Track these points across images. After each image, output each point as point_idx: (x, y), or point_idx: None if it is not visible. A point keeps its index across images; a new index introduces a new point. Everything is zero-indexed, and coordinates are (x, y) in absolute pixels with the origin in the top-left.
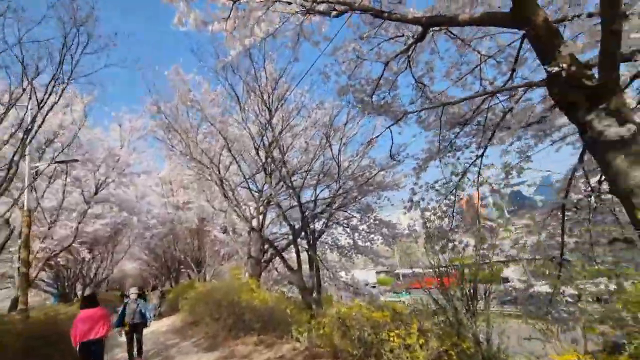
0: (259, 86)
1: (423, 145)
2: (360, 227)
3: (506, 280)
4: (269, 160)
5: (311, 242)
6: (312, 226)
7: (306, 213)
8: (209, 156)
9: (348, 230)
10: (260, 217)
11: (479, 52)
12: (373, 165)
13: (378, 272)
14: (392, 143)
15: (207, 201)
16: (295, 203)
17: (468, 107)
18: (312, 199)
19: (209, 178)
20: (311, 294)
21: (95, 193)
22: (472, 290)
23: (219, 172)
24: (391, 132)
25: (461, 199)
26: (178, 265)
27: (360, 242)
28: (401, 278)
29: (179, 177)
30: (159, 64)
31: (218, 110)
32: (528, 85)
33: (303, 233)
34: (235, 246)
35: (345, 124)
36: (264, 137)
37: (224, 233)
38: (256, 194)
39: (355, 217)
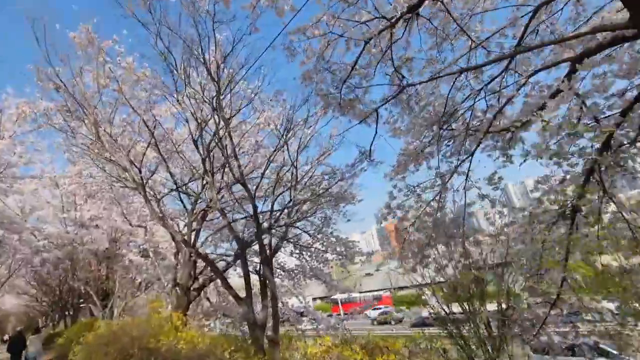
0: (204, 54)
1: (394, 149)
2: (314, 246)
3: (426, 303)
4: (212, 155)
5: (266, 260)
6: (265, 240)
7: (261, 223)
8: (128, 155)
9: (297, 249)
10: (193, 234)
11: (470, 37)
12: (332, 173)
13: (314, 299)
14: (372, 143)
15: (123, 215)
16: (241, 215)
17: (452, 102)
18: (267, 209)
19: (127, 184)
20: (263, 330)
21: None
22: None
23: (141, 177)
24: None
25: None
26: (78, 300)
27: (314, 263)
28: (339, 303)
29: (87, 186)
30: (61, 21)
31: (144, 94)
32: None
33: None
34: (157, 272)
35: (306, 120)
36: (206, 126)
37: (142, 257)
38: (189, 206)
39: (308, 233)
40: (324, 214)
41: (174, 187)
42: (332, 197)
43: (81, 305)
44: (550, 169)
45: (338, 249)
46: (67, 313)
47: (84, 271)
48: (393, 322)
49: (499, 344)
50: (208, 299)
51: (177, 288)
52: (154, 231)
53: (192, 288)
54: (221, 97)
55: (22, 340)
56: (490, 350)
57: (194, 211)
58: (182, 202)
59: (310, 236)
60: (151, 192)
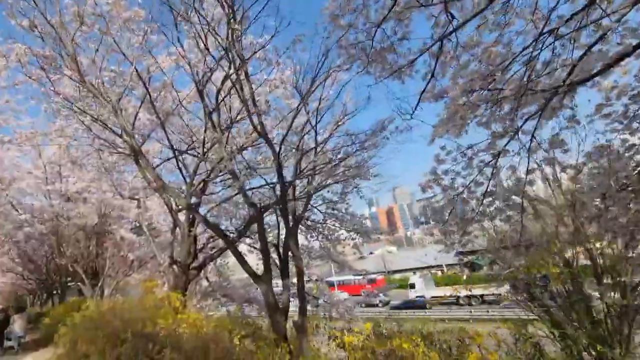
0: None
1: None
2: (327, 223)
3: (412, 286)
4: (222, 105)
5: (291, 228)
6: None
7: (279, 190)
8: (117, 114)
9: (307, 227)
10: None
11: None
12: (351, 142)
13: (307, 281)
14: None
15: (114, 187)
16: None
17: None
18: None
19: (119, 150)
20: (285, 315)
21: None
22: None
23: (134, 142)
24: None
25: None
26: (65, 278)
27: (324, 242)
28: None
29: (72, 153)
30: None
31: (136, 38)
32: None
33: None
34: (152, 249)
35: (326, 78)
36: (212, 75)
37: (135, 234)
38: (187, 180)
39: (321, 211)
40: (339, 187)
41: (170, 156)
42: (351, 167)
43: (69, 284)
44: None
45: (355, 227)
46: (54, 292)
47: (71, 248)
48: (380, 305)
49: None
50: (207, 278)
51: (175, 266)
52: (147, 205)
53: (191, 266)
54: (237, 29)
55: (6, 318)
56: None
57: (193, 183)
58: (180, 170)
59: (323, 213)
60: (144, 159)
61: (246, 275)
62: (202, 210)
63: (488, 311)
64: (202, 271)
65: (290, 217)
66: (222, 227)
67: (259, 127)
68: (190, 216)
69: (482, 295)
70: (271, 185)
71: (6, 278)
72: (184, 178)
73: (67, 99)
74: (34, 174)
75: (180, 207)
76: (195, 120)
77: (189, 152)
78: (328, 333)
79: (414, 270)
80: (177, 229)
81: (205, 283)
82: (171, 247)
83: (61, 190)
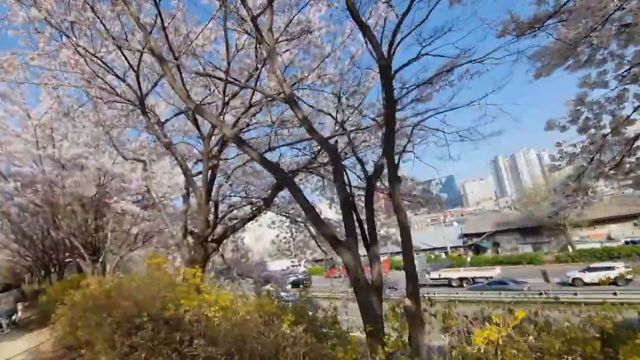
0: None
1: None
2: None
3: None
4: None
5: (393, 170)
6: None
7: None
8: (121, 48)
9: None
10: (208, 173)
11: None
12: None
13: (307, 261)
14: None
15: (113, 146)
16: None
17: None
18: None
19: (122, 97)
20: (380, 295)
21: None
22: None
23: (139, 86)
24: None
25: None
26: (63, 255)
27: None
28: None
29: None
30: None
31: None
32: None
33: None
34: (157, 223)
35: None
36: None
37: (139, 206)
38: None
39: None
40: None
41: (175, 113)
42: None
43: (68, 261)
44: None
45: (414, 193)
46: (52, 269)
47: (67, 221)
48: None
49: None
50: (222, 255)
51: (190, 238)
52: (153, 170)
53: (209, 238)
54: None
55: None
56: None
57: (210, 140)
58: (196, 124)
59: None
60: (152, 114)
61: (258, 253)
62: (218, 179)
63: (482, 293)
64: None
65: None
66: (241, 197)
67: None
68: (209, 178)
69: (473, 278)
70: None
71: (2, 255)
72: (200, 133)
73: (56, 26)
74: (22, 137)
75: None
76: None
77: (203, 104)
78: (441, 322)
79: (416, 251)
80: (194, 193)
81: (219, 259)
82: (184, 217)
83: (54, 156)
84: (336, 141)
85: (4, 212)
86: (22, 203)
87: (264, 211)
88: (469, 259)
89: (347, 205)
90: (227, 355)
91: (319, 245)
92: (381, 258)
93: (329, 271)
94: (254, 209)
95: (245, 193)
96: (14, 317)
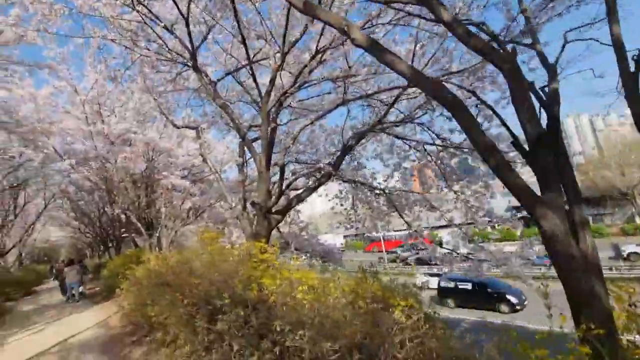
0: None
1: None
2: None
3: (440, 243)
4: None
5: None
6: None
7: None
8: None
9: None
10: (268, 131)
11: None
12: None
13: (345, 236)
14: None
15: (162, 114)
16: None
17: None
18: None
19: (171, 53)
20: (601, 281)
21: None
22: None
23: (190, 38)
24: None
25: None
26: (119, 230)
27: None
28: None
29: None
30: None
31: None
32: None
33: None
34: (221, 190)
35: None
36: None
37: (188, 180)
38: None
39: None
40: None
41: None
42: None
43: (124, 236)
44: None
45: None
46: (110, 245)
47: (121, 197)
48: (398, 261)
49: None
50: (279, 229)
51: (252, 210)
52: (205, 139)
53: (274, 209)
54: None
55: (63, 270)
56: None
57: (270, 94)
58: (254, 78)
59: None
60: (204, 75)
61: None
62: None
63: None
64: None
65: None
66: (306, 163)
67: None
68: (268, 140)
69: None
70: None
71: (65, 232)
72: (259, 92)
73: None
74: (72, 114)
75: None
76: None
77: (260, 61)
78: None
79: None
80: (254, 159)
81: (275, 233)
82: (243, 188)
83: (104, 132)
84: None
85: (62, 191)
86: (78, 181)
87: (332, 178)
88: (518, 233)
89: (544, 143)
90: (341, 352)
91: (401, 216)
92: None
93: (367, 246)
94: (319, 175)
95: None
96: (80, 289)
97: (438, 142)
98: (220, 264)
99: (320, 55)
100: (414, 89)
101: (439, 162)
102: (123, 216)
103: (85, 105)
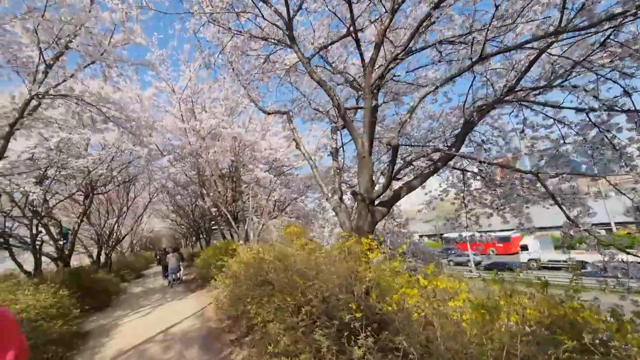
0: None
1: None
2: None
3: (525, 248)
4: None
5: None
6: None
7: None
8: None
9: None
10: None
11: None
12: None
13: (421, 236)
14: None
15: (252, 102)
16: None
17: None
18: None
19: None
20: None
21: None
22: None
23: (287, 5)
24: None
25: None
26: (209, 223)
27: None
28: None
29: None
30: None
31: None
32: None
33: None
34: (315, 179)
35: None
36: None
37: (272, 174)
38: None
39: None
40: None
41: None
42: None
43: (214, 228)
44: None
45: None
46: (201, 236)
47: (211, 191)
48: (470, 264)
49: None
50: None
51: (356, 201)
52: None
53: (377, 201)
54: None
55: (165, 257)
56: None
57: (374, 62)
58: (358, 45)
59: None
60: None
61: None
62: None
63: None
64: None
65: None
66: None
67: None
68: (371, 119)
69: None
70: None
71: (165, 224)
72: (362, 61)
73: None
74: (170, 113)
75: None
76: None
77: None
78: None
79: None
80: (357, 143)
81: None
82: (338, 177)
83: (196, 128)
84: None
85: (163, 186)
86: (175, 176)
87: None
88: None
89: None
90: None
91: (562, 209)
92: (512, 234)
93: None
94: (437, 159)
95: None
96: (178, 274)
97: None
98: (333, 265)
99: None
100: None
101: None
102: (214, 209)
103: (181, 103)
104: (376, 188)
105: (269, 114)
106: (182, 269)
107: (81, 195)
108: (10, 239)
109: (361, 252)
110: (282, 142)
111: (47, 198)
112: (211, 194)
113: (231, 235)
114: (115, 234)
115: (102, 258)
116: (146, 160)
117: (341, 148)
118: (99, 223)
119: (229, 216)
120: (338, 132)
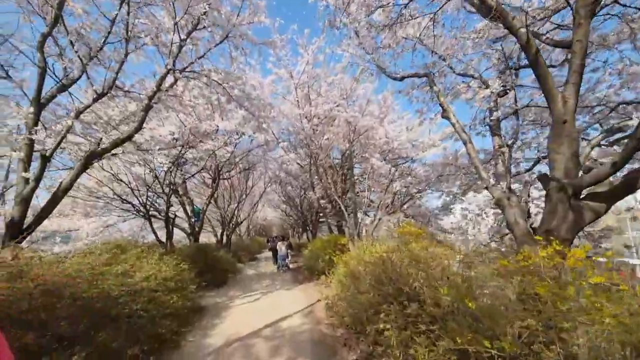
0: None
1: None
2: None
3: None
4: None
5: None
6: None
7: None
8: None
9: None
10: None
11: None
12: None
13: None
14: None
15: (379, 69)
16: None
17: None
18: None
19: None
20: None
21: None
22: None
23: None
24: None
25: None
26: (316, 215)
27: None
28: None
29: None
30: None
31: None
32: None
33: None
34: (472, 161)
35: None
36: None
37: (388, 163)
38: None
39: None
40: None
41: None
42: None
43: (321, 221)
44: None
45: None
46: (307, 228)
47: (322, 180)
48: None
49: None
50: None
51: (546, 190)
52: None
53: (586, 191)
54: None
55: (276, 244)
56: None
57: None
58: None
59: None
60: None
61: None
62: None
63: None
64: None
65: None
66: None
67: None
68: (582, 62)
69: None
70: None
71: (277, 213)
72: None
73: None
74: (287, 99)
75: None
76: None
77: None
78: None
79: None
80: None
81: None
82: (502, 156)
83: (311, 114)
84: None
85: (276, 176)
86: (288, 165)
87: None
88: None
89: None
90: None
91: None
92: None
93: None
94: None
95: None
96: (286, 261)
97: None
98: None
99: None
100: None
101: None
102: (323, 201)
103: (297, 89)
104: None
105: (401, 79)
106: (289, 257)
107: (210, 179)
108: (151, 211)
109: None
110: (401, 129)
111: (185, 178)
112: (322, 180)
113: (338, 229)
114: (235, 218)
115: (225, 239)
116: (264, 150)
117: (515, 115)
118: (223, 206)
119: (341, 206)
120: (507, 93)
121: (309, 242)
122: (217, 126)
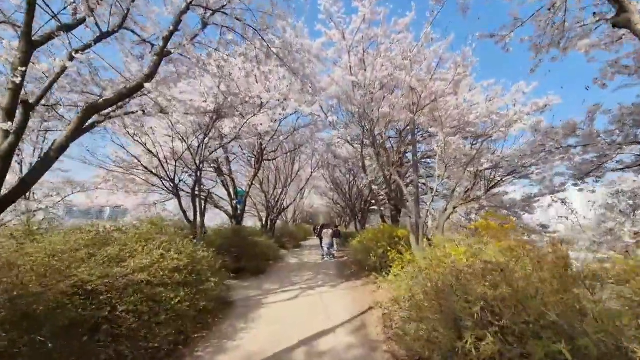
0: None
1: None
2: None
3: None
4: None
5: None
6: None
7: None
8: None
9: None
10: None
11: None
12: None
13: None
14: None
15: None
16: None
17: None
18: None
19: None
20: None
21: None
22: None
23: None
24: None
25: None
26: (365, 203)
27: None
28: None
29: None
30: None
31: None
32: None
33: None
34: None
35: None
36: None
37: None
38: None
39: None
40: None
41: None
42: None
43: (370, 209)
44: None
45: None
46: (355, 217)
47: (379, 157)
48: None
49: None
50: None
51: None
52: None
53: None
54: None
55: (321, 231)
56: None
57: None
58: None
59: None
60: None
61: None
62: None
63: None
64: None
65: None
66: None
67: None
68: None
69: None
70: None
71: (323, 201)
72: None
73: None
74: (337, 66)
75: None
76: None
77: None
78: None
79: None
80: None
81: None
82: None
83: (366, 81)
84: None
85: (324, 159)
86: (337, 149)
87: None
88: None
89: None
90: None
91: None
92: None
93: None
94: None
95: None
96: (333, 250)
97: None
98: None
99: None
100: None
101: None
102: (375, 186)
103: (350, 53)
104: None
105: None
106: (335, 245)
107: (253, 157)
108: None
109: None
110: (478, 100)
111: (230, 159)
112: (379, 159)
113: (392, 220)
114: (280, 202)
115: (269, 224)
116: (311, 131)
117: None
118: (268, 190)
119: (402, 189)
120: None
121: (357, 232)
122: (259, 96)
